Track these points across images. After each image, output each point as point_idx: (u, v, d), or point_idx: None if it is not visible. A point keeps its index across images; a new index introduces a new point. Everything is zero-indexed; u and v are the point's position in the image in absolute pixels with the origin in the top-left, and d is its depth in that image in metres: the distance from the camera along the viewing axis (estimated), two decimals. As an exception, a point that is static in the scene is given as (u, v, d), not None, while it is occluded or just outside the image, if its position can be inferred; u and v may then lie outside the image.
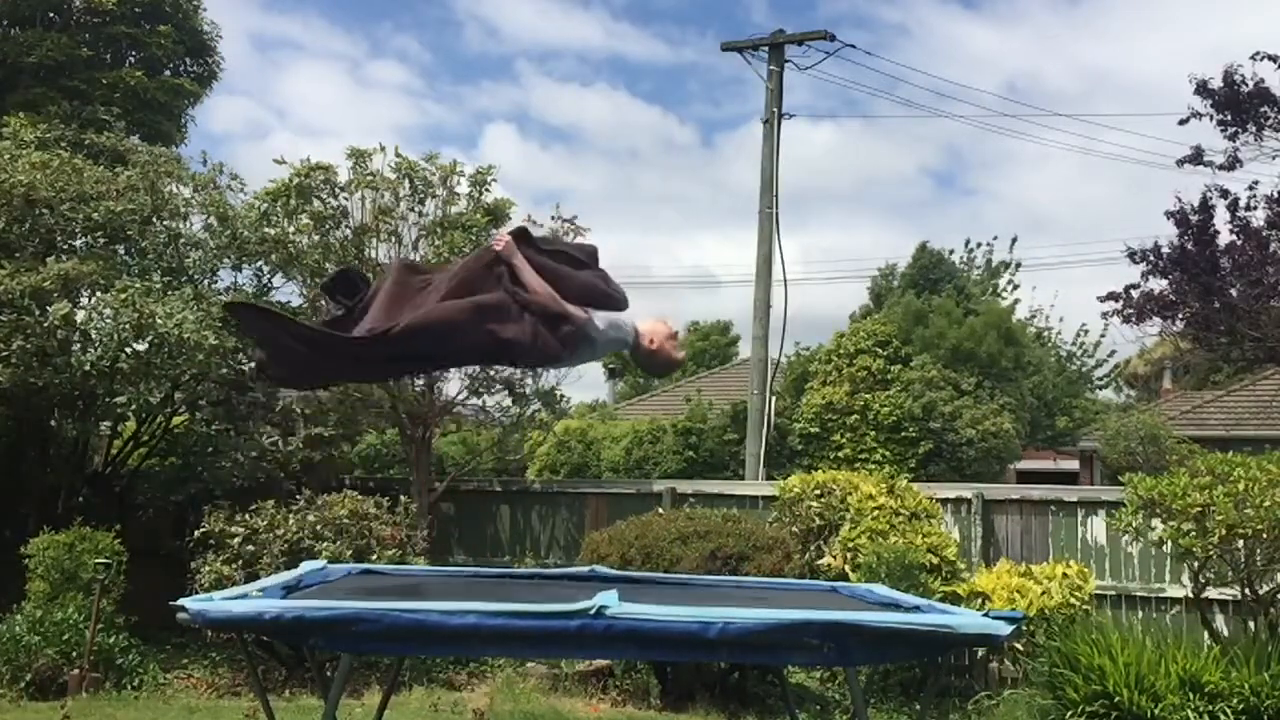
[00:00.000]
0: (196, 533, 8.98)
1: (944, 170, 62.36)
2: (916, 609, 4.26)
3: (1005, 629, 3.69)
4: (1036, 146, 79.74)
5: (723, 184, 63.31)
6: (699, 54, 67.65)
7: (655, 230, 64.93)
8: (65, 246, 10.25)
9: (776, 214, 15.41)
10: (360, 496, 9.32)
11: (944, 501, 9.94)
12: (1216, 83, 14.36)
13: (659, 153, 66.89)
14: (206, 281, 10.67)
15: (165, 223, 10.53)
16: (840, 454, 15.63)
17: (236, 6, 56.59)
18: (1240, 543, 7.06)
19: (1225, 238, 14.30)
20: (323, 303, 3.97)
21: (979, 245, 27.14)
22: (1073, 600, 8.34)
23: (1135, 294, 14.77)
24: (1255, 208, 14.09)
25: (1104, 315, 15.37)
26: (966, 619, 3.91)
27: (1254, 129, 14.34)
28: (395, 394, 10.81)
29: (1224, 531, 6.86)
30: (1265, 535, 6.83)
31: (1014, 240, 29.37)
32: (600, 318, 4.26)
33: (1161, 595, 9.19)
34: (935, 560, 8.80)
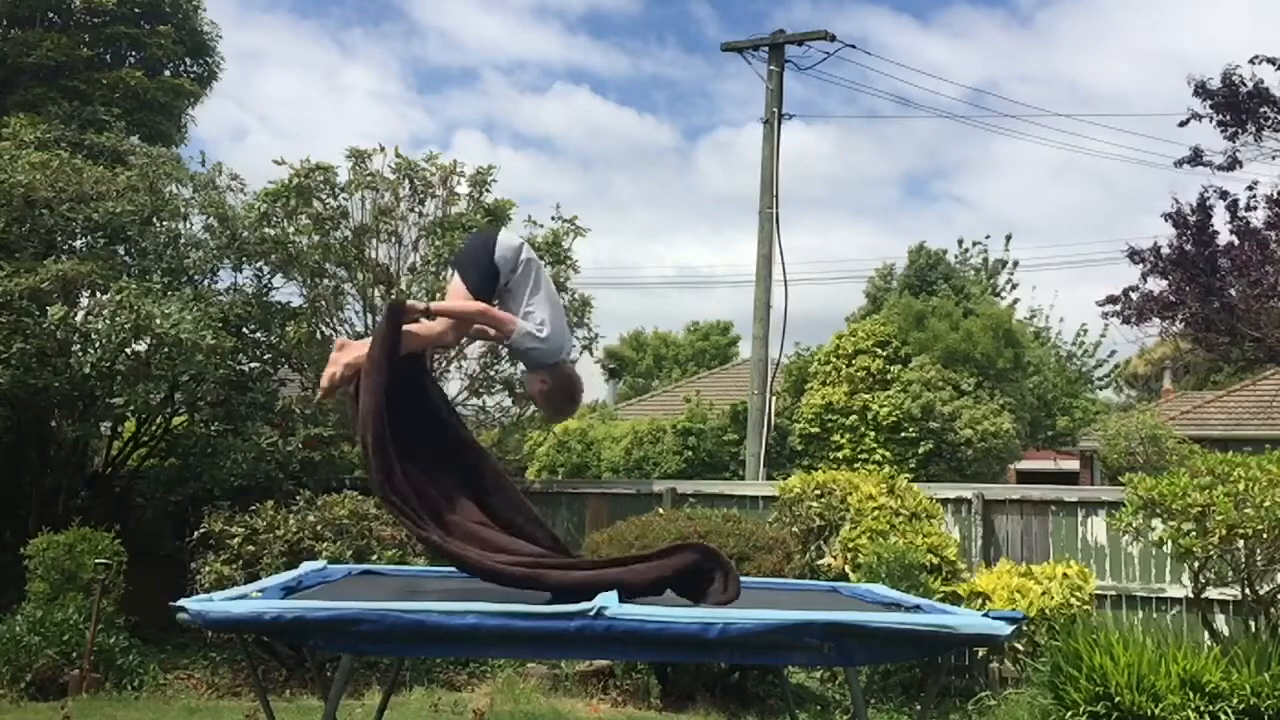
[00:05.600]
0: (196, 533, 8.98)
1: (918, 173, 62.85)
2: (917, 609, 4.26)
3: (1005, 629, 3.68)
4: (1009, 150, 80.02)
5: (698, 187, 63.80)
6: (662, 64, 68.35)
7: (632, 232, 65.49)
8: (65, 247, 10.25)
9: (777, 214, 15.41)
10: (360, 496, 9.31)
11: (944, 501, 9.94)
12: (1216, 84, 14.38)
13: (632, 157, 67.39)
14: (206, 282, 10.68)
15: (165, 223, 10.53)
16: (840, 454, 15.62)
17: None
18: (1240, 543, 7.05)
19: (1224, 238, 14.34)
20: None
21: (974, 244, 27.17)
22: (1073, 600, 8.34)
23: (1135, 295, 14.79)
24: (1255, 208, 14.11)
25: (1104, 316, 15.42)
26: (967, 619, 3.90)
27: (1254, 130, 14.35)
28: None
29: (1224, 531, 6.85)
30: (1265, 535, 6.82)
31: (1008, 238, 29.47)
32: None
33: (1162, 595, 9.19)
34: (935, 560, 8.80)
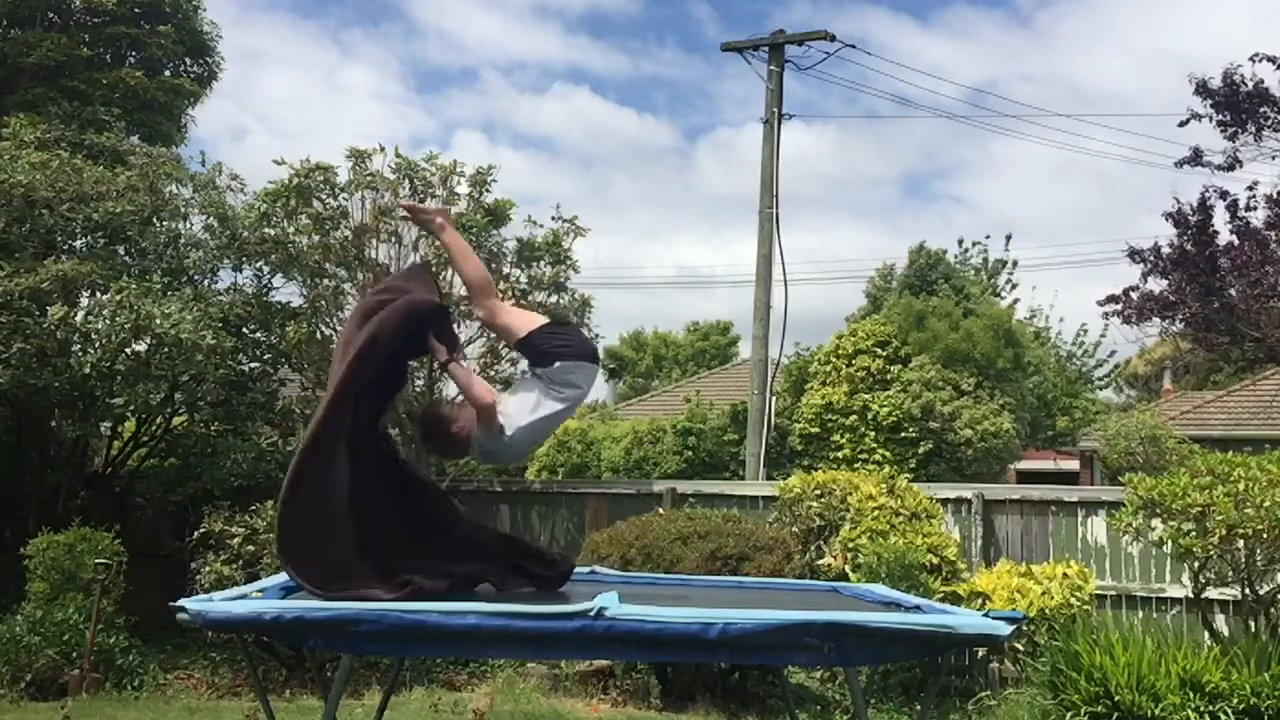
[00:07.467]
0: (196, 533, 8.98)
1: (918, 173, 62.98)
2: (917, 609, 4.26)
3: (1005, 629, 3.69)
4: (1009, 150, 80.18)
5: (698, 187, 63.94)
6: (661, 64, 68.49)
7: (632, 232, 65.69)
8: (65, 247, 10.25)
9: (777, 214, 15.40)
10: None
11: (944, 501, 9.93)
12: (1216, 83, 14.37)
13: (632, 157, 67.56)
14: (206, 282, 10.67)
15: (165, 223, 10.53)
16: (840, 454, 15.61)
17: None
18: (1240, 543, 7.05)
19: (1224, 238, 14.33)
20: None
21: (974, 244, 27.14)
22: (1073, 600, 8.33)
23: (1135, 295, 14.79)
24: (1255, 208, 14.10)
25: (1104, 316, 15.41)
26: (967, 619, 3.91)
27: (1254, 129, 14.34)
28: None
29: (1224, 531, 6.85)
30: (1265, 535, 6.82)
31: (1008, 238, 29.48)
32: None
33: (1162, 595, 9.19)
34: (935, 560, 8.80)
